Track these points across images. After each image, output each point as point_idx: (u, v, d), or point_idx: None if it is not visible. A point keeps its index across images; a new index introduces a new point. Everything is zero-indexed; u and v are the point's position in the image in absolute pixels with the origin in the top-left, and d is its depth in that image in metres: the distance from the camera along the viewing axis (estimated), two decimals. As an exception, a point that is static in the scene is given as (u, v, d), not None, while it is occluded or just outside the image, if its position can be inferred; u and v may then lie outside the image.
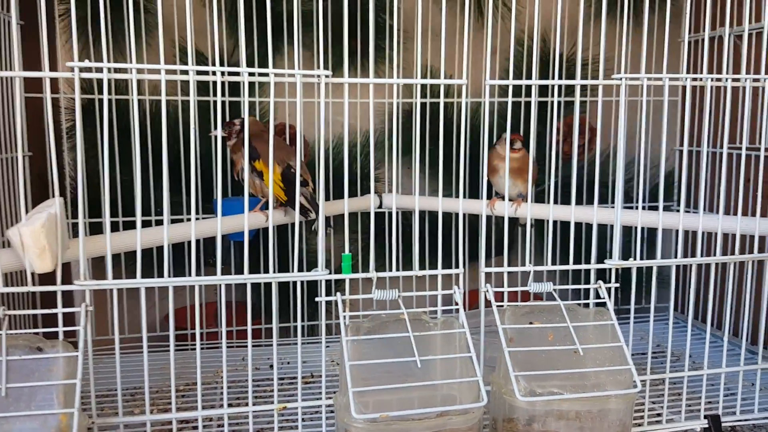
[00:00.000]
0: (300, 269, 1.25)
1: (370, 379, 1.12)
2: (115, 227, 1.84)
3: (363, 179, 2.06)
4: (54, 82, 1.87)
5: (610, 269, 1.33)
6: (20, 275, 1.42)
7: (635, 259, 1.34)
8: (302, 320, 1.26)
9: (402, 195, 1.89)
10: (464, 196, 1.40)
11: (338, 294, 1.22)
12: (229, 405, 1.31)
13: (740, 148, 1.41)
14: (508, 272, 1.30)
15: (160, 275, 1.23)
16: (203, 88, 1.92)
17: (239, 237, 1.77)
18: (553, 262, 1.39)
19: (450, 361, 1.19)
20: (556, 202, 1.49)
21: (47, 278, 1.17)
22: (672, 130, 2.15)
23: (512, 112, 1.27)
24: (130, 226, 1.86)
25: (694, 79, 1.34)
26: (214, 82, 1.17)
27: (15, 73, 1.09)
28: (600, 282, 1.29)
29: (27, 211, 1.12)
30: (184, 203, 1.96)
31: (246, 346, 1.23)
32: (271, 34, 1.16)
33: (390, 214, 1.98)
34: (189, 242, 1.19)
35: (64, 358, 1.09)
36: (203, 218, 1.58)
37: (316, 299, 1.23)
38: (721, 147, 1.41)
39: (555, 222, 1.91)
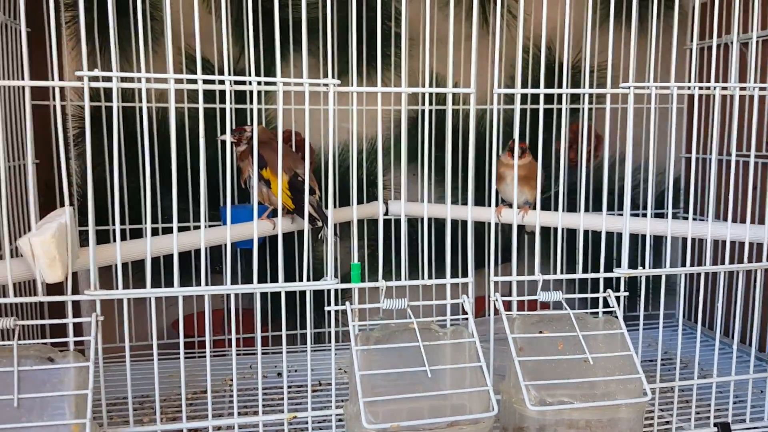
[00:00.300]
0: (307, 278, 1.25)
1: (380, 389, 1.12)
2: (121, 235, 1.84)
3: (369, 186, 2.06)
4: (61, 91, 1.87)
5: (618, 280, 1.33)
6: (30, 285, 1.42)
7: (644, 267, 1.33)
8: (310, 328, 1.26)
9: (408, 202, 1.89)
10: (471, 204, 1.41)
11: (347, 303, 1.22)
12: (238, 414, 1.31)
13: (748, 156, 1.41)
14: (516, 280, 1.29)
15: (168, 283, 1.23)
16: (209, 95, 1.92)
17: (245, 245, 1.77)
18: (561, 271, 1.39)
19: (460, 370, 1.19)
20: (563, 209, 1.49)
21: (55, 288, 1.17)
22: (678, 137, 2.15)
23: (519, 119, 1.27)
24: (137, 233, 1.86)
25: (702, 88, 1.34)
26: (222, 92, 1.17)
27: (24, 82, 1.09)
28: (609, 291, 1.29)
29: (36, 220, 1.12)
30: (191, 210, 1.96)
31: (251, 354, 1.23)
32: (278, 41, 1.16)
33: (397, 221, 1.98)
34: (196, 250, 1.19)
35: (75, 369, 1.09)
36: (210, 226, 1.58)
37: (326, 308, 1.23)
38: (729, 154, 1.41)
39: (563, 231, 1.91)
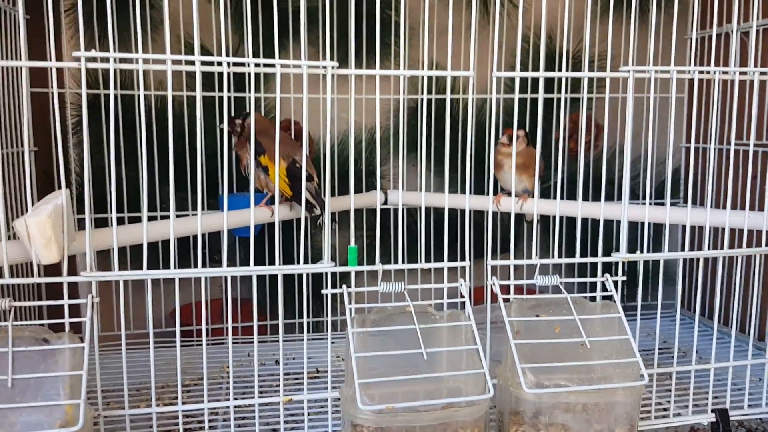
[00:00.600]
0: (304, 261, 1.25)
1: (376, 372, 1.12)
2: (120, 223, 1.84)
3: (368, 176, 2.06)
4: (59, 78, 1.87)
5: (616, 264, 1.33)
6: (27, 267, 1.42)
7: (642, 252, 1.33)
8: (308, 316, 1.26)
9: (407, 191, 1.89)
10: (470, 193, 1.40)
11: (344, 286, 1.22)
12: (235, 399, 1.31)
13: (747, 145, 1.40)
14: (514, 268, 1.29)
15: (165, 268, 1.23)
16: (209, 84, 1.92)
17: (244, 232, 1.77)
18: (560, 256, 1.39)
19: (456, 353, 1.18)
20: (562, 198, 1.48)
21: (53, 271, 1.17)
22: (678, 127, 2.14)
23: (518, 108, 1.27)
24: (136, 221, 1.86)
25: (702, 72, 1.33)
26: (220, 79, 1.17)
27: (21, 63, 1.09)
28: (606, 275, 1.29)
29: (33, 205, 1.12)
30: (190, 199, 1.96)
31: (251, 342, 1.23)
32: (276, 27, 1.16)
33: (395, 210, 1.98)
34: (194, 237, 1.18)
35: (70, 350, 1.09)
36: (208, 213, 1.58)
37: (322, 291, 1.22)
38: (728, 144, 1.40)
39: (561, 218, 1.90)
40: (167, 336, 1.98)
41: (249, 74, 1.17)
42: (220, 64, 1.16)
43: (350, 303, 1.19)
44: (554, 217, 1.32)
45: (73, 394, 1.06)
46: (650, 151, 1.36)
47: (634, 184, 2.15)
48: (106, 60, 1.10)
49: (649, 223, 1.37)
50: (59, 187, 1.14)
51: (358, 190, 2.02)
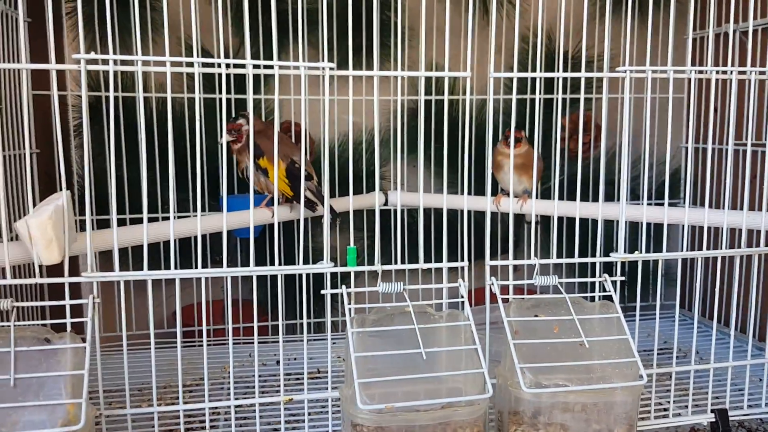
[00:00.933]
0: (304, 261, 1.25)
1: (375, 371, 1.12)
2: (121, 224, 1.85)
3: (369, 177, 2.07)
4: (61, 81, 1.88)
5: (615, 265, 1.33)
6: (29, 268, 1.43)
7: (641, 252, 1.33)
8: (308, 317, 1.26)
9: (407, 192, 1.89)
10: (469, 193, 1.40)
11: (344, 287, 1.23)
12: (236, 398, 1.32)
13: (746, 145, 1.41)
14: (515, 268, 1.29)
15: (167, 269, 1.24)
16: (209, 86, 1.93)
17: (245, 234, 1.78)
18: (559, 257, 1.39)
19: (455, 353, 1.19)
20: (561, 199, 1.49)
21: (55, 271, 1.17)
22: (677, 127, 2.15)
23: (517, 109, 1.27)
24: (137, 222, 1.87)
25: (700, 72, 1.34)
26: (220, 81, 1.18)
27: (22, 65, 1.09)
28: (605, 275, 1.29)
29: (34, 206, 1.12)
30: (191, 200, 1.96)
31: (251, 343, 1.23)
32: (275, 29, 1.17)
33: (395, 211, 1.98)
34: (195, 238, 1.19)
35: (72, 350, 1.10)
36: (209, 214, 1.58)
37: (322, 292, 1.23)
38: (727, 144, 1.40)
39: (561, 219, 1.91)
40: (169, 336, 1.99)
41: (248, 76, 1.18)
42: (219, 65, 1.16)
43: (350, 303, 1.20)
44: (553, 217, 1.33)
45: (75, 394, 1.07)
46: (648, 151, 1.36)
47: (634, 185, 2.15)
48: (106, 62, 1.11)
49: (649, 224, 1.37)
50: (60, 189, 1.15)
51: (358, 191, 2.02)
